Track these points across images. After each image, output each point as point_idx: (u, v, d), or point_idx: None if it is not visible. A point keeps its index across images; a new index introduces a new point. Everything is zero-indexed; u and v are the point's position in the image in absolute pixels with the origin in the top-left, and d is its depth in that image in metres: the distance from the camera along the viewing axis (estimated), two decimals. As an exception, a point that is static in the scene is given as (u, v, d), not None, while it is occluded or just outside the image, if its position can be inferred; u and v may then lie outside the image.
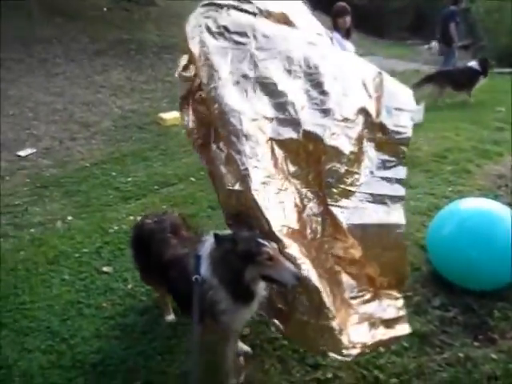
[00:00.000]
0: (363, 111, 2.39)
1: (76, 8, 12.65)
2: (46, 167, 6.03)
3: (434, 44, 11.43)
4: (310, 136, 2.25)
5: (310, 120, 2.28)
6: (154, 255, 2.37)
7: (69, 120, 7.46)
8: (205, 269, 2.02)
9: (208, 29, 2.46)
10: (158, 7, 13.66)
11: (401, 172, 2.39)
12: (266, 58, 2.41)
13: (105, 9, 13.15)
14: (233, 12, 2.55)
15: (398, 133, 2.41)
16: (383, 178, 2.36)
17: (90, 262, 3.54)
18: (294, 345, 2.55)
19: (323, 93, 2.36)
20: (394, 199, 2.31)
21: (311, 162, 2.28)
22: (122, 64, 9.83)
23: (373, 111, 2.42)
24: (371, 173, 2.36)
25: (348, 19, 5.05)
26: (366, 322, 2.14)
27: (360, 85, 2.49)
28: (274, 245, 1.95)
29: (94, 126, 7.33)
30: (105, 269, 3.42)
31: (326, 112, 2.31)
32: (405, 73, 11.49)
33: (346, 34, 5.11)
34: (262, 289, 2.07)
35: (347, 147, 2.29)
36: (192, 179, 5.15)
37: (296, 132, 2.25)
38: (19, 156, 6.31)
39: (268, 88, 2.34)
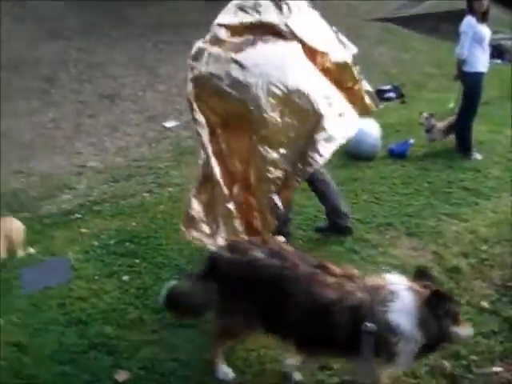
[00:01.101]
0: None
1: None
2: (186, 138, 6.89)
3: None
4: None
5: None
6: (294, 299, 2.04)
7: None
8: (406, 321, 1.95)
9: None
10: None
11: None
12: None
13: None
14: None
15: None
16: None
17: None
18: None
19: None
20: None
21: None
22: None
23: None
24: None
25: (485, 2, 4.82)
26: None
27: None
28: None
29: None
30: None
31: None
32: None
33: (482, 18, 4.88)
34: None
35: None
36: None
37: None
38: (165, 127, 7.30)
39: None
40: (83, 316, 2.94)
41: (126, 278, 3.34)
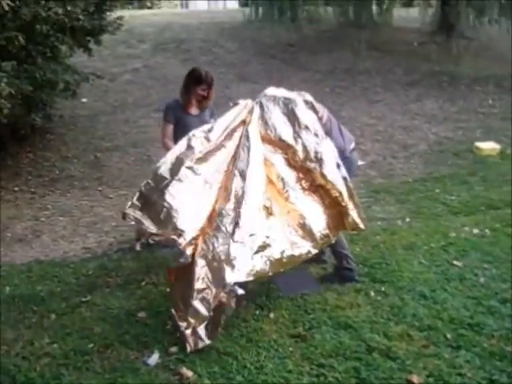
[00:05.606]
0: None
1: (390, 43, 14.10)
2: (374, 177, 7.19)
3: None
4: None
5: None
6: None
7: (389, 140, 8.59)
8: None
9: None
10: (470, 40, 13.80)
11: None
12: None
13: (415, 43, 14.21)
14: None
15: None
16: None
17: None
18: None
19: None
20: None
21: None
22: (435, 94, 10.52)
23: None
24: None
25: None
26: None
27: None
28: None
29: (412, 148, 8.22)
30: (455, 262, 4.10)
31: None
32: None
33: None
34: None
35: None
36: (518, 206, 5.36)
37: None
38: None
39: None
40: (349, 322, 3.28)
41: (372, 294, 3.65)
